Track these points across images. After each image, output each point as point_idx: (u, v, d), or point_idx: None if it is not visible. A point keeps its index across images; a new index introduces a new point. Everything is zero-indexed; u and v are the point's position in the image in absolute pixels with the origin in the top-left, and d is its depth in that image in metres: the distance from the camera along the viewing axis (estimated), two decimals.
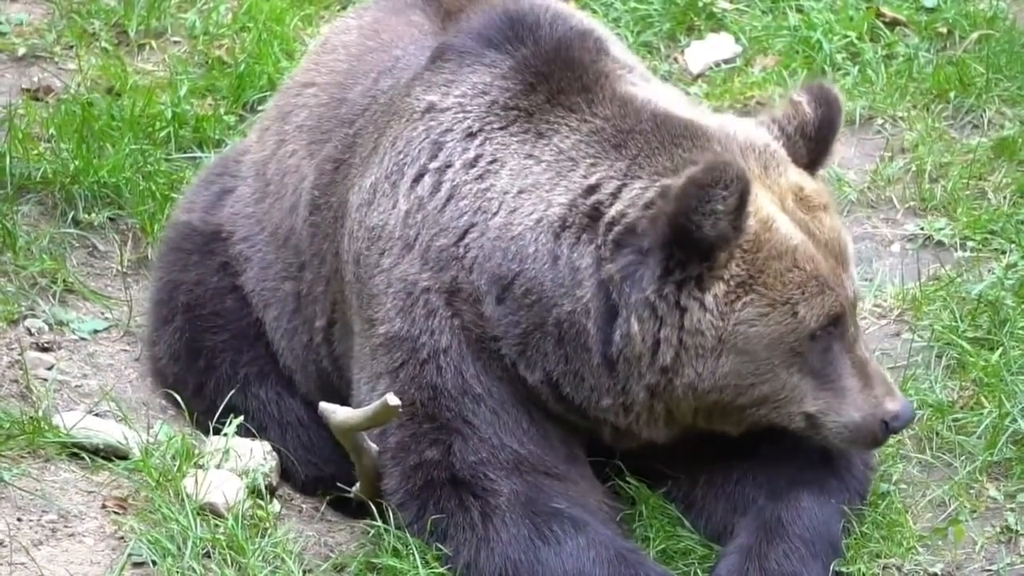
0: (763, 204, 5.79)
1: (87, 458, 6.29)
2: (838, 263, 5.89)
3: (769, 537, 5.85)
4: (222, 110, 8.62)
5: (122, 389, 6.94)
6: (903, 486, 6.35)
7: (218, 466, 6.28)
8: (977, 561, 6.11)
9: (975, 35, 8.89)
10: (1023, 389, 6.61)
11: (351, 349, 6.34)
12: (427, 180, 6.09)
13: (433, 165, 6.10)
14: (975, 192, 8.00)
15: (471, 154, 6.06)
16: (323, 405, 6.08)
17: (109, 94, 8.62)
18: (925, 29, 9.00)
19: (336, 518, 6.47)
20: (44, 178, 7.79)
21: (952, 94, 8.54)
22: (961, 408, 6.67)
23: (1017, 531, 6.21)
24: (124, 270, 7.64)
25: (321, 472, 6.64)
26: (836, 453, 6.08)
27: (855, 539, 6.04)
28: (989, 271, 7.39)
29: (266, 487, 6.33)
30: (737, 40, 9.21)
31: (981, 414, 6.58)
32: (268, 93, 8.44)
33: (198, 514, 5.96)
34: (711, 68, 9.12)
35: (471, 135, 6.09)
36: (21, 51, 8.93)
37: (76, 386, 6.86)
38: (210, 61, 8.96)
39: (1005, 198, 7.91)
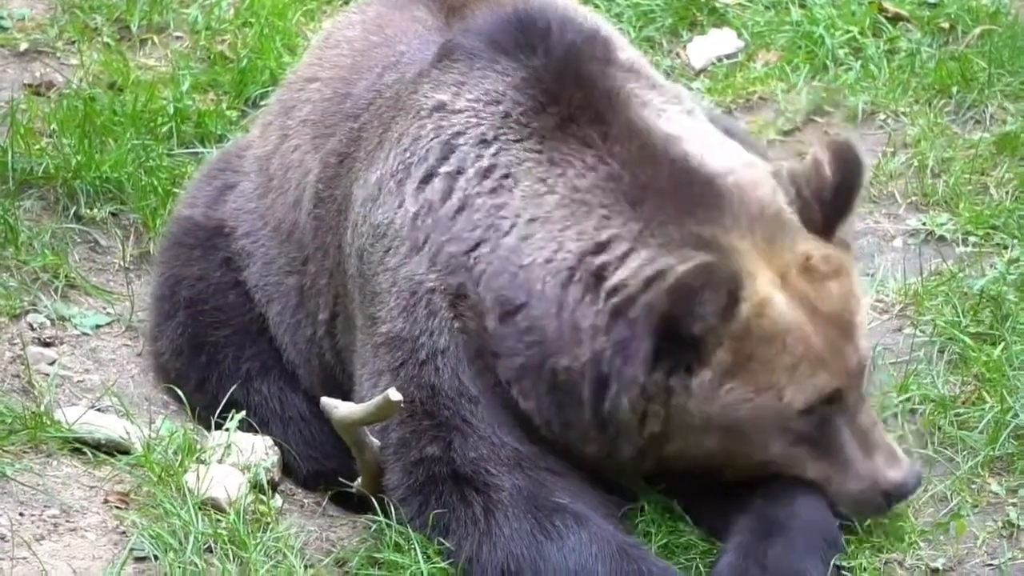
0: (759, 287, 5.72)
1: (89, 453, 6.29)
2: (842, 334, 5.82)
3: (766, 535, 5.84)
4: (224, 105, 8.61)
5: (124, 384, 6.94)
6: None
7: (220, 461, 6.28)
8: (979, 556, 6.10)
9: (978, 30, 8.88)
10: None
11: (353, 343, 6.34)
12: (437, 184, 6.06)
13: (444, 169, 6.08)
14: (977, 187, 7.99)
15: (484, 163, 6.03)
16: (325, 400, 6.08)
17: (111, 89, 8.62)
18: (927, 24, 8.99)
19: (338, 513, 6.47)
20: (46, 173, 7.79)
21: (954, 89, 8.53)
22: (963, 403, 6.67)
23: (1019, 526, 6.20)
24: (126, 265, 7.64)
25: (323, 467, 6.64)
26: None
27: (856, 534, 6.04)
28: (991, 266, 7.38)
29: (268, 482, 6.33)
30: (739, 35, 9.20)
31: (983, 409, 6.58)
32: (270, 88, 8.43)
33: (200, 509, 5.96)
34: (713, 63, 9.11)
35: (485, 142, 6.06)
36: (23, 46, 8.92)
37: (78, 381, 6.86)
38: (212, 56, 8.96)
39: (1007, 193, 7.90)
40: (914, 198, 8.02)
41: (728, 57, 9.14)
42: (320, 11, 9.32)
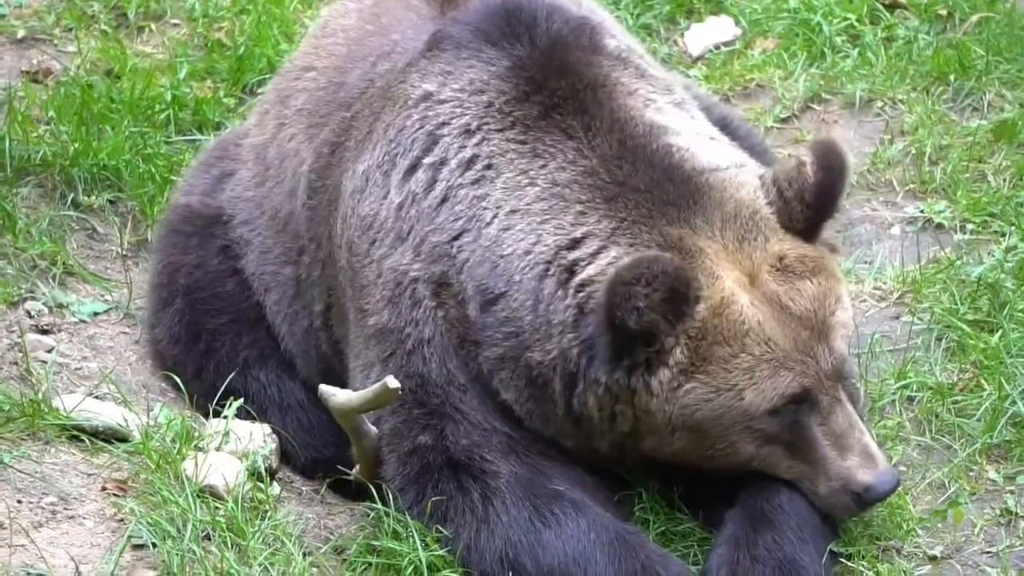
0: (723, 288, 5.71)
1: (87, 440, 6.29)
2: (813, 334, 5.79)
3: (757, 526, 5.84)
4: (221, 93, 8.62)
5: (122, 371, 6.94)
6: (902, 468, 6.34)
7: (218, 448, 6.28)
8: (976, 543, 6.11)
9: (975, 18, 8.88)
10: (1023, 371, 6.61)
11: (347, 334, 6.35)
12: (420, 175, 6.08)
13: (427, 160, 6.09)
14: (975, 175, 7.99)
15: (467, 153, 6.04)
16: (322, 387, 6.08)
17: (108, 76, 8.62)
18: (925, 11, 8.98)
19: (336, 500, 6.47)
20: (44, 160, 7.79)
21: (952, 77, 8.53)
22: (961, 390, 6.67)
23: (1016, 513, 6.21)
24: (124, 252, 7.64)
25: (321, 455, 6.64)
26: None
27: (854, 522, 6.04)
28: (989, 253, 7.38)
29: (266, 470, 6.33)
30: (737, 23, 9.20)
31: (981, 396, 6.58)
32: (267, 76, 8.43)
33: (198, 496, 5.96)
34: (711, 51, 9.11)
35: (468, 132, 6.07)
36: (20, 33, 8.92)
37: (76, 368, 6.86)
38: (209, 44, 8.95)
39: (1005, 180, 7.91)
40: (912, 186, 8.02)
41: (726, 44, 9.14)
42: None
